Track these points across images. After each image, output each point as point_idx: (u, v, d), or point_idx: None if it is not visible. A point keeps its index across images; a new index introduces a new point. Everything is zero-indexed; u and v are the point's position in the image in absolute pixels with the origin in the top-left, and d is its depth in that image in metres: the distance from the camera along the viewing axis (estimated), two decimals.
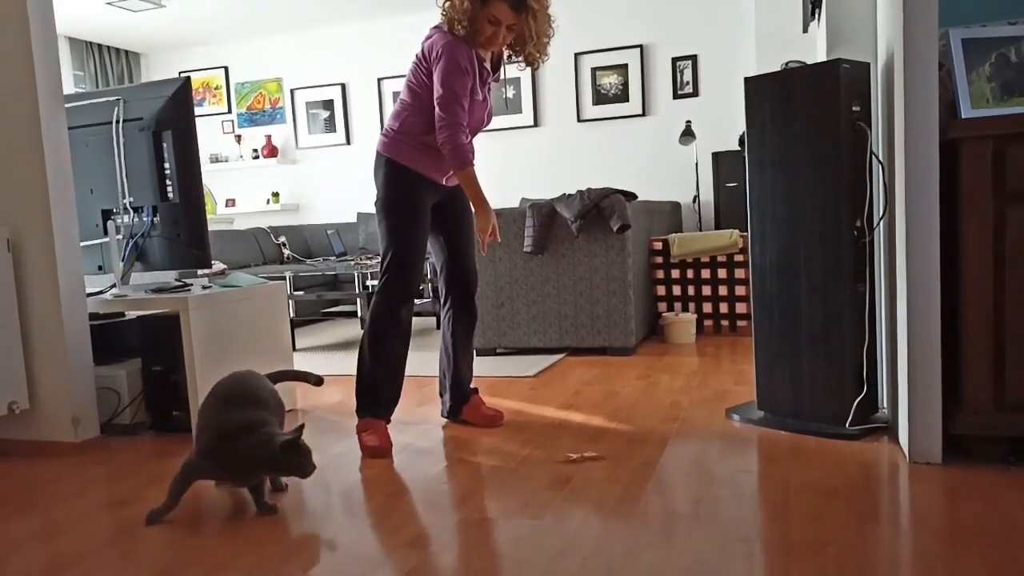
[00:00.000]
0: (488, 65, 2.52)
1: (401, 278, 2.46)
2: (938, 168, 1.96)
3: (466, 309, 2.67)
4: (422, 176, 2.48)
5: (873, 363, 2.34)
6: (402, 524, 1.81)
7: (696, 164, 5.78)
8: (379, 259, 2.51)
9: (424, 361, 3.90)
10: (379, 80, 6.79)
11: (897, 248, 2.13)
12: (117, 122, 2.77)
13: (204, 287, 2.81)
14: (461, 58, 2.35)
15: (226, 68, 7.31)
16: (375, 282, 2.55)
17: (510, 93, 6.46)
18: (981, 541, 1.56)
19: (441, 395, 2.75)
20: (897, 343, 2.17)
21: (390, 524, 1.82)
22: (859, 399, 2.30)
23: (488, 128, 6.49)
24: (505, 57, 2.59)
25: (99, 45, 6.98)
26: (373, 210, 5.51)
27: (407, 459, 2.32)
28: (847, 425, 2.29)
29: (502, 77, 2.63)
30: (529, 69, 2.56)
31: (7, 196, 2.69)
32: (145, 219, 2.78)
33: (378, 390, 2.49)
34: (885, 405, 2.46)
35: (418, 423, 2.74)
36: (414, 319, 5.55)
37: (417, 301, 4.65)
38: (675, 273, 4.32)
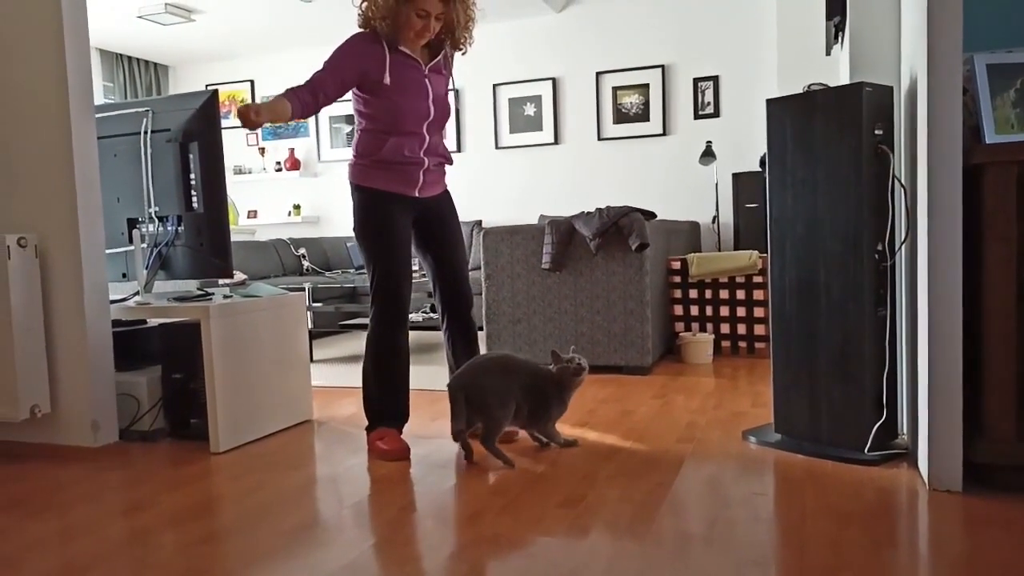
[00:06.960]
0: (421, 59, 2.51)
1: (390, 306, 2.49)
2: (961, 193, 1.95)
3: (463, 327, 2.68)
4: (390, 194, 2.49)
5: (893, 388, 2.32)
6: (413, 538, 1.81)
7: (716, 184, 5.77)
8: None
9: (435, 375, 3.90)
10: None
11: (918, 272, 2.11)
12: (145, 132, 2.82)
13: (225, 296, 2.83)
14: (354, 43, 2.41)
15: (252, 82, 7.42)
16: None
17: (531, 111, 6.50)
18: (1000, 571, 1.53)
19: None
20: (918, 369, 2.15)
21: (401, 538, 1.82)
22: (878, 424, 2.27)
23: (509, 144, 6.55)
24: (448, 48, 2.58)
25: (129, 57, 7.11)
26: None
27: (420, 473, 2.32)
28: (866, 450, 2.27)
29: (450, 63, 2.62)
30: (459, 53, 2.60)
31: (37, 203, 2.74)
32: (169, 228, 2.82)
33: (385, 409, 2.55)
34: (905, 431, 2.43)
35: (431, 437, 2.74)
36: (424, 332, 5.54)
37: (426, 316, 4.65)
38: (693, 293, 4.30)
